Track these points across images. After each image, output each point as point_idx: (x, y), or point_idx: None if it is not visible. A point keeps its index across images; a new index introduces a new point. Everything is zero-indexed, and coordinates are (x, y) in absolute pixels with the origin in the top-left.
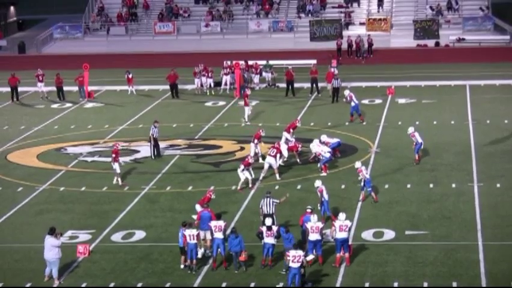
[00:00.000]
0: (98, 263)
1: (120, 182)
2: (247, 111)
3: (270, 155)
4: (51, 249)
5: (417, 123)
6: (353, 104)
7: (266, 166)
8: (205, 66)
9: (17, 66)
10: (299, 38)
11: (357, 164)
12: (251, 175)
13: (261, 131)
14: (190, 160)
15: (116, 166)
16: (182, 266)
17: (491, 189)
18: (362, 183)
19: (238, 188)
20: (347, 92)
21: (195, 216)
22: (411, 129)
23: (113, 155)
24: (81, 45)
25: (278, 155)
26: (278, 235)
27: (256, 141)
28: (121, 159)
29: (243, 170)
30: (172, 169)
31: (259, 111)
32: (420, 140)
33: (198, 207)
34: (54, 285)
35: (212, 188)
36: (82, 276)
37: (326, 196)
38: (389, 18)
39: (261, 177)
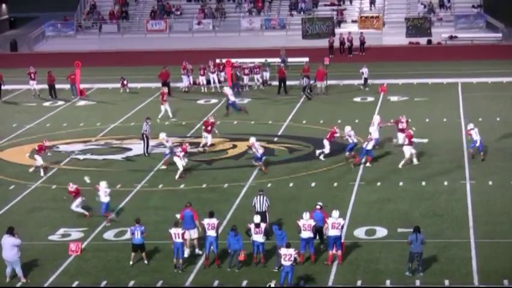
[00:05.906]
0: (90, 261)
1: (42, 173)
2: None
3: None
4: (11, 248)
5: (409, 120)
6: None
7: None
8: (184, 65)
9: (9, 64)
10: (291, 35)
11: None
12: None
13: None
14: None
15: (38, 158)
16: (131, 263)
17: (483, 187)
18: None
19: (177, 177)
20: (347, 129)
21: (178, 216)
22: (470, 126)
23: (37, 149)
24: (73, 43)
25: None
26: (270, 232)
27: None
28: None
29: (183, 156)
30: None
31: (252, 108)
32: (475, 138)
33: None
34: (18, 285)
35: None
36: (73, 274)
37: (258, 150)
38: (381, 16)
39: (253, 176)
